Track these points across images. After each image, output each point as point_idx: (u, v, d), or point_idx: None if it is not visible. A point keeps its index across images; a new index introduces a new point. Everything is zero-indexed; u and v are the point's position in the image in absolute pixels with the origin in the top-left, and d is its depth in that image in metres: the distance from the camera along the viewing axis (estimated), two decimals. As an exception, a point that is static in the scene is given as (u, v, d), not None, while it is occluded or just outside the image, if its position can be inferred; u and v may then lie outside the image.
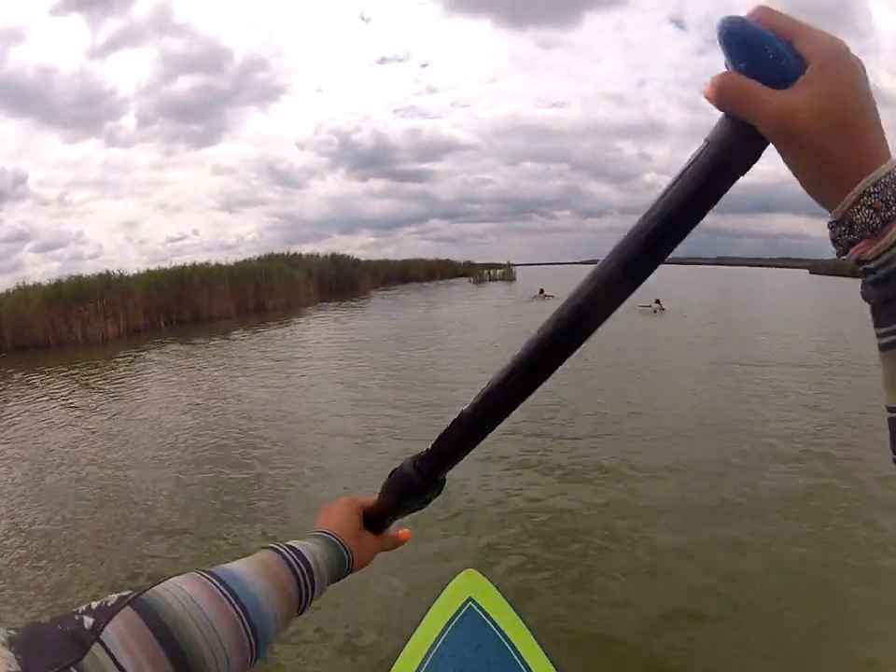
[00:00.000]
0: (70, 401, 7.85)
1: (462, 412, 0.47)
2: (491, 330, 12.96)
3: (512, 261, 42.32)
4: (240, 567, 0.44)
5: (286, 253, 27.89)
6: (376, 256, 38.29)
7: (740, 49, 0.28)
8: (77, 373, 9.93)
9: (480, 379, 0.44)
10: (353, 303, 22.56)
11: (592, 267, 0.36)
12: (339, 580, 0.56)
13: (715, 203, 0.31)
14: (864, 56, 0.28)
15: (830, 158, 0.27)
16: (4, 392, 8.90)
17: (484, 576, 1.24)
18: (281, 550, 0.49)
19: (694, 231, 0.33)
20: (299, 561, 0.48)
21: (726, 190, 0.31)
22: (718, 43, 0.29)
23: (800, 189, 0.30)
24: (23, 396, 8.47)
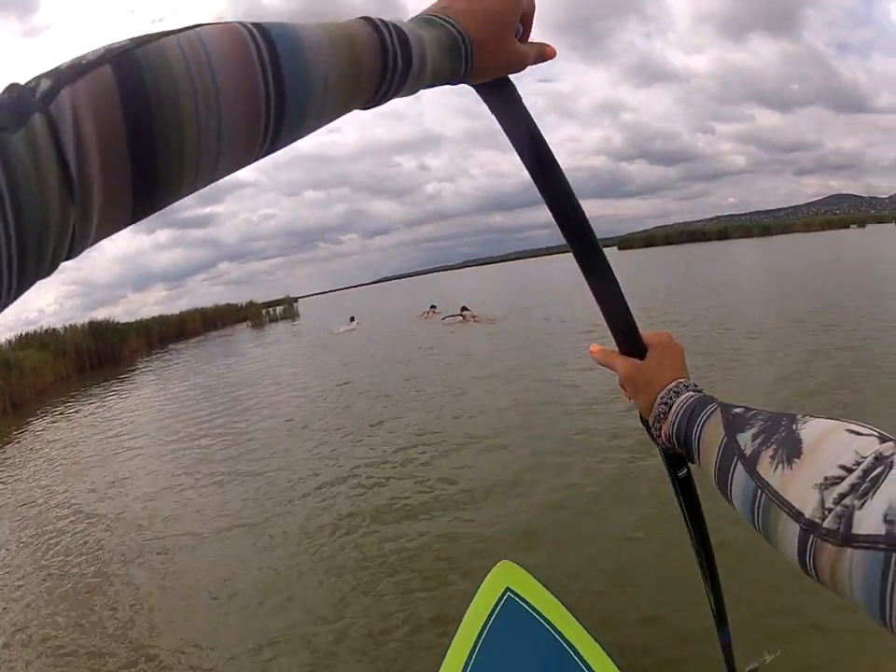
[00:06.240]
0: None
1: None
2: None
3: (302, 293, 38.73)
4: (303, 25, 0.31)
5: (38, 330, 23.29)
6: (171, 310, 33.65)
7: None
8: None
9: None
10: (111, 381, 15.21)
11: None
12: (448, 81, 0.41)
13: None
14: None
15: (650, 384, 0.56)
16: None
17: (520, 565, 1.25)
18: (369, 16, 0.35)
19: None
20: (390, 27, 0.35)
21: None
22: None
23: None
24: None
